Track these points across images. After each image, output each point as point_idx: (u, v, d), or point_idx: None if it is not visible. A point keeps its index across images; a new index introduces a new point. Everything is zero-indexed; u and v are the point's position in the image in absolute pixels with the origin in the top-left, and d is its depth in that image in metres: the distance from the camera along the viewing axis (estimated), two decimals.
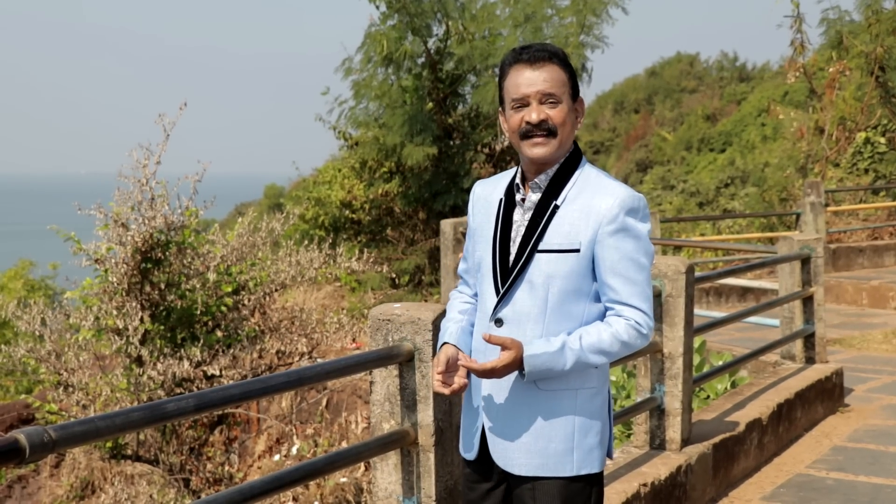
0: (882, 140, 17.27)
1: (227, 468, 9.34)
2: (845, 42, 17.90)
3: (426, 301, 13.37)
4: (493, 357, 2.48)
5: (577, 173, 2.56)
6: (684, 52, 54.46)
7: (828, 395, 6.60)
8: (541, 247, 2.50)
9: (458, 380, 2.54)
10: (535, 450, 2.52)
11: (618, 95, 52.58)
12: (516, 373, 2.50)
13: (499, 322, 2.54)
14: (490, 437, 2.58)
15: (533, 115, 2.50)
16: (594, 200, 2.50)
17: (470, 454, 2.65)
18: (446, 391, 2.53)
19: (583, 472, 2.54)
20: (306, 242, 11.17)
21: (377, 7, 14.56)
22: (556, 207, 2.52)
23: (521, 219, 2.57)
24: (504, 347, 2.43)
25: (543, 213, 2.52)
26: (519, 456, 2.53)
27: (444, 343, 2.62)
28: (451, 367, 2.54)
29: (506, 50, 14.08)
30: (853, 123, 17.57)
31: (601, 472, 2.62)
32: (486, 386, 2.57)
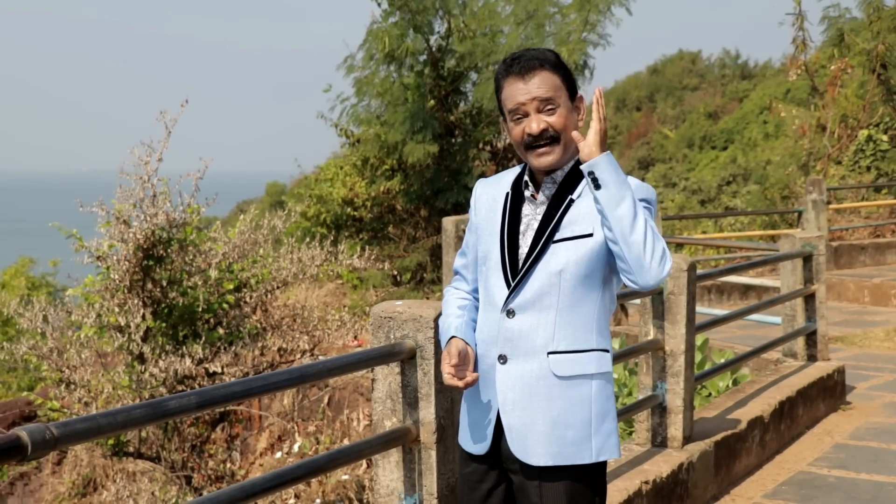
0: (884, 137, 17.26)
1: (228, 465, 9.34)
2: (847, 39, 17.89)
3: (428, 299, 13.36)
4: (502, 349, 2.52)
5: None
6: (686, 49, 54.39)
7: (829, 393, 6.60)
8: (556, 237, 2.52)
9: (470, 374, 2.53)
10: (553, 438, 2.51)
11: (620, 93, 52.51)
12: (528, 367, 2.51)
13: (510, 313, 2.54)
14: (507, 429, 2.55)
15: (533, 125, 2.53)
16: None
17: (481, 449, 2.62)
18: (460, 384, 2.51)
19: (602, 459, 2.54)
20: (308, 240, 11.18)
21: (379, 4, 14.57)
22: (572, 201, 2.54)
23: (532, 212, 2.58)
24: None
25: (559, 207, 2.54)
26: (537, 446, 2.51)
27: (453, 336, 2.61)
28: (462, 360, 2.54)
29: (507, 47, 14.07)
30: (855, 121, 17.56)
31: (605, 470, 2.62)
32: (500, 378, 2.56)
